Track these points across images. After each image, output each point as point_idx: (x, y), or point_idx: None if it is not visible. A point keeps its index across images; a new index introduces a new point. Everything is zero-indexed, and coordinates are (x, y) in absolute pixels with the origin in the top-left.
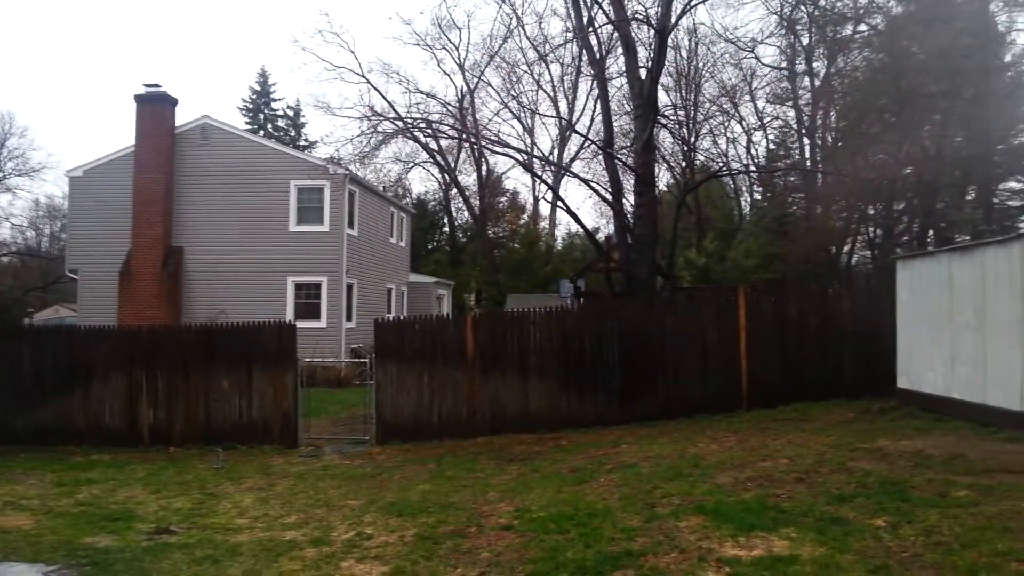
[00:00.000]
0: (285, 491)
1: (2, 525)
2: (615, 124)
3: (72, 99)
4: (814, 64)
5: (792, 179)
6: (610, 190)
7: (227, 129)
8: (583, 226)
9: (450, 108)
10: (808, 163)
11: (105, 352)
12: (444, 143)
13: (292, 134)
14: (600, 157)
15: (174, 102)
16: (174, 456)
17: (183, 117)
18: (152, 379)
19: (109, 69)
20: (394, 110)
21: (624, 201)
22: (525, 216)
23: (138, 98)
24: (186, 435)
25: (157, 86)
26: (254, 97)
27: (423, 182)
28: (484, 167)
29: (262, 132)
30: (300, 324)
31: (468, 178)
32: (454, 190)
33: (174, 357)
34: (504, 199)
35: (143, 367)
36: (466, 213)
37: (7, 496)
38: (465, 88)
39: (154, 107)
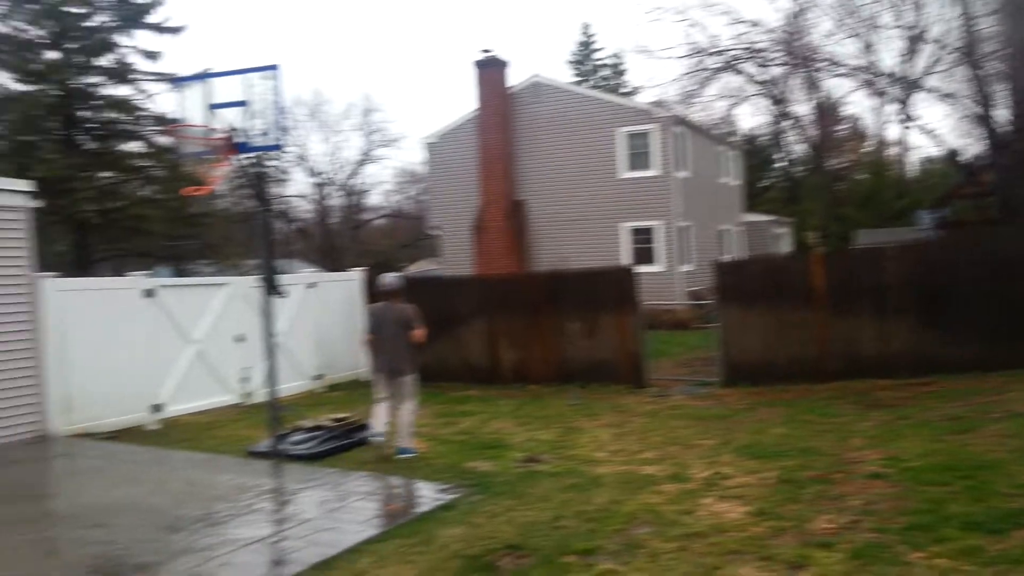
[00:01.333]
0: (638, 428)
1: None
2: (977, 27)
3: (413, 71)
4: None
5: None
6: (976, 104)
7: (555, 84)
8: (943, 148)
9: (778, 35)
10: None
11: (467, 299)
12: (773, 73)
13: (615, 82)
14: (959, 68)
15: (508, 64)
16: (532, 393)
17: (517, 77)
18: (508, 322)
19: (441, 40)
20: (717, 45)
21: (994, 115)
22: (869, 143)
23: (477, 64)
24: (541, 374)
25: (491, 51)
26: (579, 50)
27: (752, 116)
28: (819, 94)
29: (588, 83)
30: (637, 268)
31: (802, 108)
32: (787, 122)
33: (526, 302)
34: (844, 126)
35: (500, 311)
36: (801, 145)
37: None
38: (793, 11)
39: (491, 71)
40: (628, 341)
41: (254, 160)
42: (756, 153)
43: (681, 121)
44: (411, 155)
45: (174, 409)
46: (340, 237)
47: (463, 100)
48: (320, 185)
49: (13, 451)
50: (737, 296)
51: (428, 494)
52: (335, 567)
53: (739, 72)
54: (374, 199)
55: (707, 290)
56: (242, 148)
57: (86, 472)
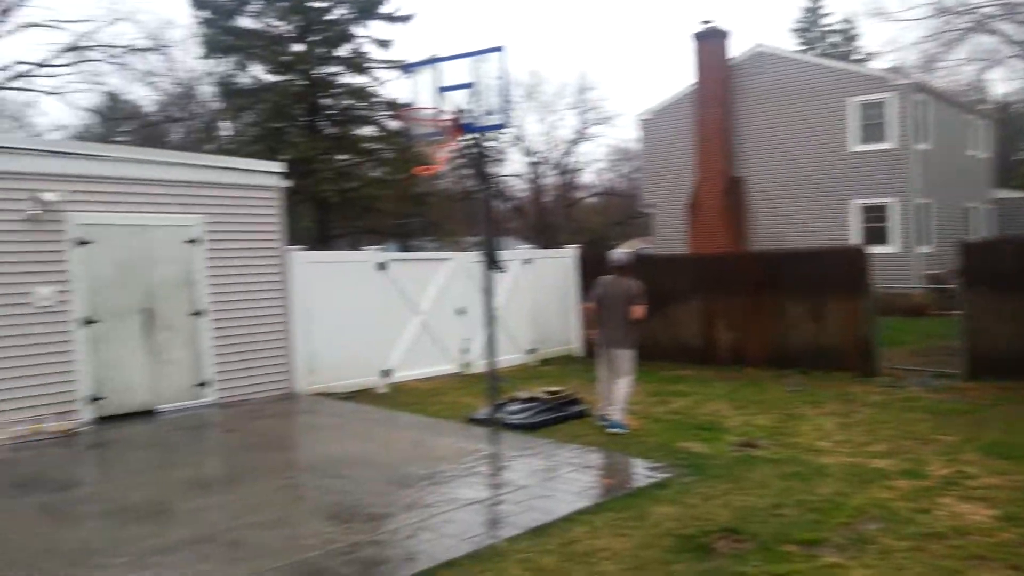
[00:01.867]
0: (866, 419)
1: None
2: None
3: (629, 47)
4: None
5: None
6: None
7: (779, 54)
8: None
9: None
10: None
11: (682, 277)
12: None
13: (845, 49)
14: None
15: (728, 35)
16: (749, 376)
17: (737, 48)
18: (725, 302)
19: (659, 13)
20: (966, 3)
21: None
22: None
23: (696, 36)
24: (758, 357)
25: (711, 22)
26: (805, 16)
27: (1007, 81)
28: None
29: (815, 51)
30: (868, 249)
31: None
32: None
33: (745, 282)
34: None
35: (717, 291)
36: None
37: None
38: None
39: (710, 42)
40: (857, 326)
41: (475, 141)
42: (1011, 122)
43: (922, 88)
44: (625, 132)
45: (401, 375)
46: (553, 215)
47: (680, 75)
48: (535, 164)
49: (268, 406)
50: (987, 280)
51: (640, 471)
52: (549, 533)
53: (992, 32)
54: (587, 177)
55: (950, 273)
56: (468, 128)
57: (325, 428)
